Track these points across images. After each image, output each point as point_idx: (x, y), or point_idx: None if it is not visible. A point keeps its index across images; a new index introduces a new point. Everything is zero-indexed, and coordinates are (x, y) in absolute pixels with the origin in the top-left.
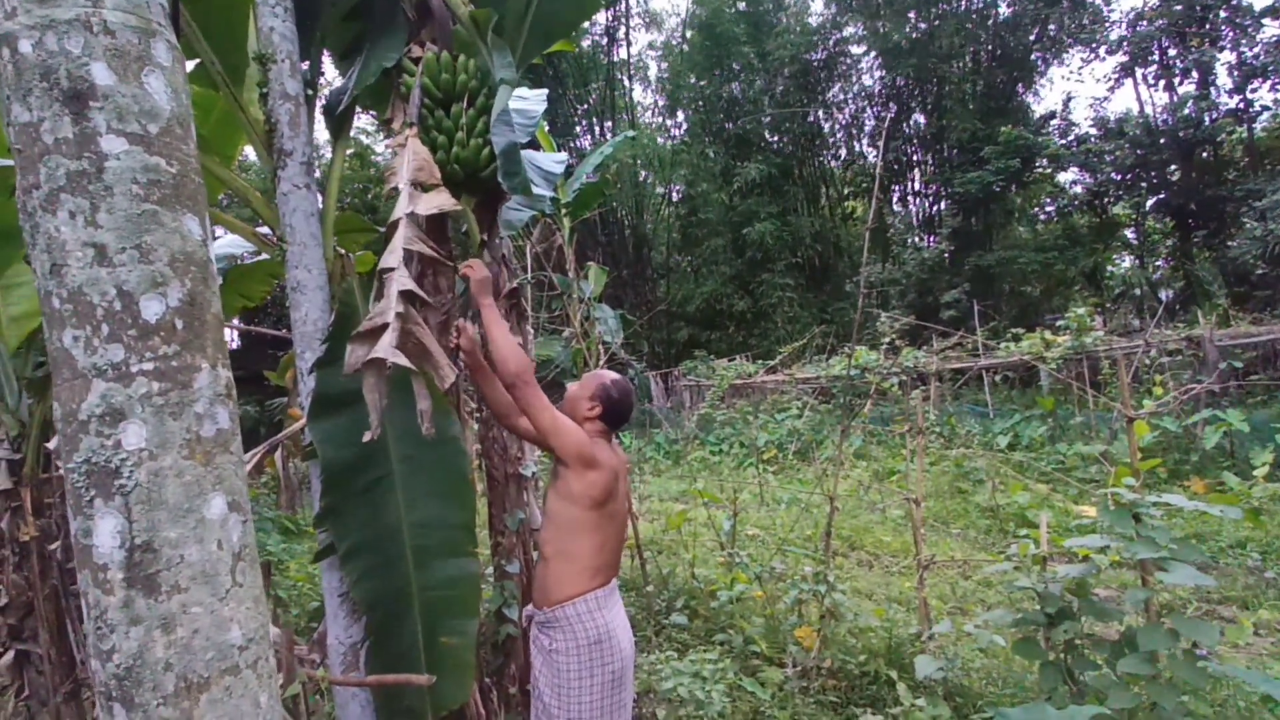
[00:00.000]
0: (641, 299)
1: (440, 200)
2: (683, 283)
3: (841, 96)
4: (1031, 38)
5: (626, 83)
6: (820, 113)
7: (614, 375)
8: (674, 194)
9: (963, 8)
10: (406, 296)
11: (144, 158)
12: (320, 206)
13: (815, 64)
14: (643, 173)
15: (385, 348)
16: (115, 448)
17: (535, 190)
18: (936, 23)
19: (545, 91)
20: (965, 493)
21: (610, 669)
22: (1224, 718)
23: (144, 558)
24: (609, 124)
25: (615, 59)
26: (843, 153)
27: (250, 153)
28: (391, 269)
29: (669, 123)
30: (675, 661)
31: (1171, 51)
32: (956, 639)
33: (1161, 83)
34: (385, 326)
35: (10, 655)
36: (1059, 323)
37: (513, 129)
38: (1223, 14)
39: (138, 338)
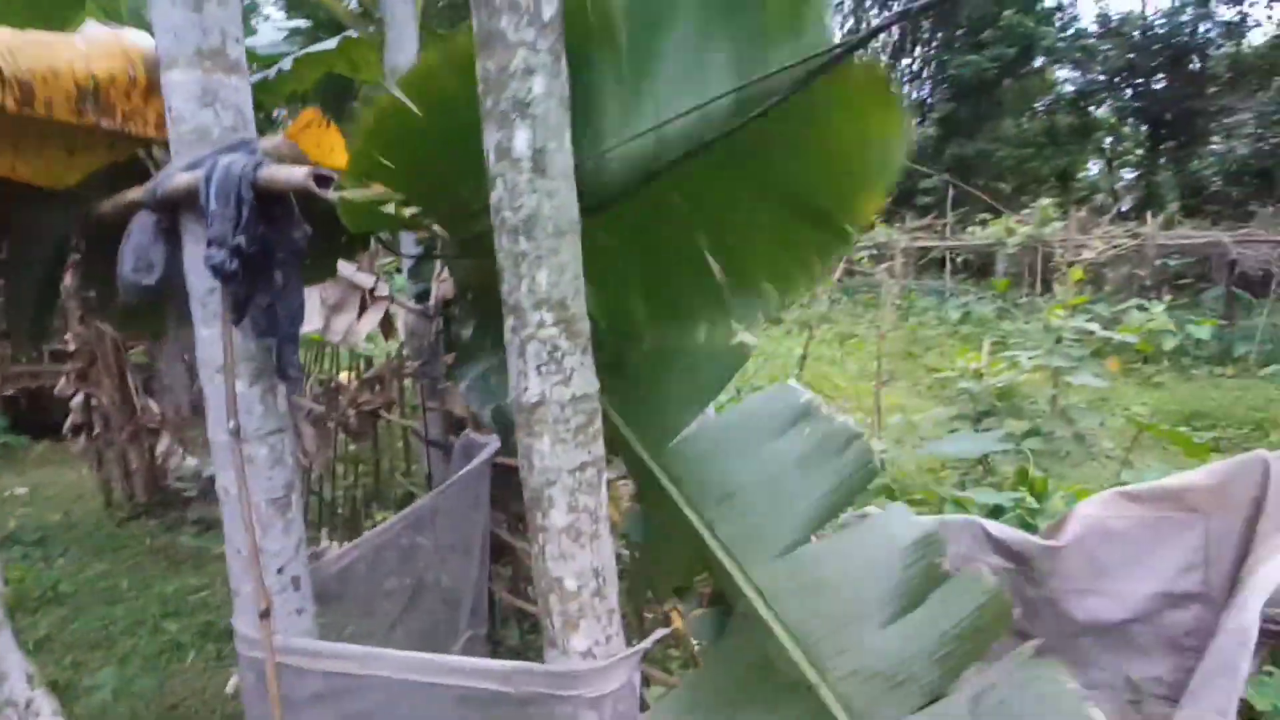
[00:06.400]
0: None
1: None
2: None
3: None
4: None
5: None
6: None
7: None
8: None
9: None
10: None
11: None
12: None
13: None
14: None
15: None
16: (529, 91)
17: None
18: None
19: None
20: (915, 356)
21: None
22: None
23: (540, 156)
24: None
25: None
26: (849, 22)
27: None
28: None
29: None
30: None
31: None
32: (899, 437)
33: None
34: None
35: (80, 397)
36: (1025, 213)
37: None
38: None
39: (540, 28)
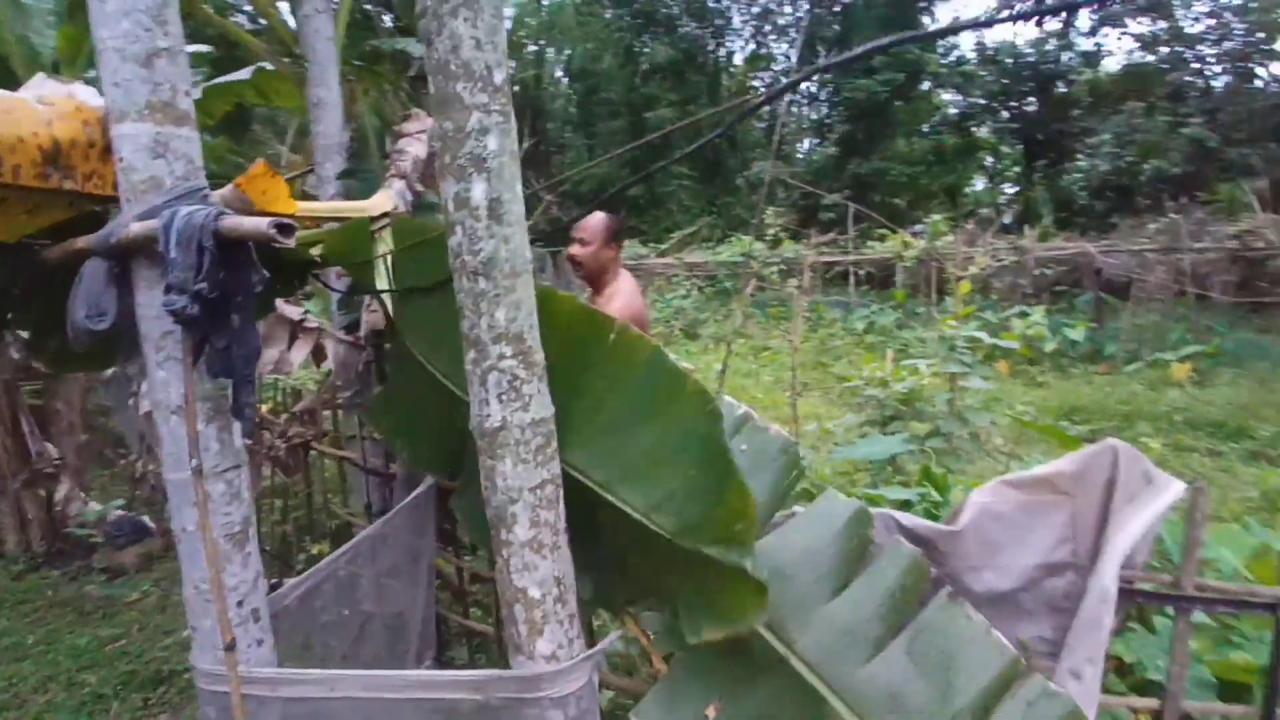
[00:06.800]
0: (537, 174)
1: None
2: (577, 161)
3: None
4: None
5: None
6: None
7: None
8: (573, 68)
9: None
10: None
11: None
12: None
13: None
14: (542, 41)
15: None
16: (484, 148)
17: None
18: None
19: None
20: (826, 366)
21: None
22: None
23: (495, 205)
24: None
25: None
26: (750, 46)
27: None
28: None
29: None
30: None
31: None
32: (815, 444)
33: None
34: None
35: None
36: (918, 228)
37: None
38: None
39: (492, 92)
